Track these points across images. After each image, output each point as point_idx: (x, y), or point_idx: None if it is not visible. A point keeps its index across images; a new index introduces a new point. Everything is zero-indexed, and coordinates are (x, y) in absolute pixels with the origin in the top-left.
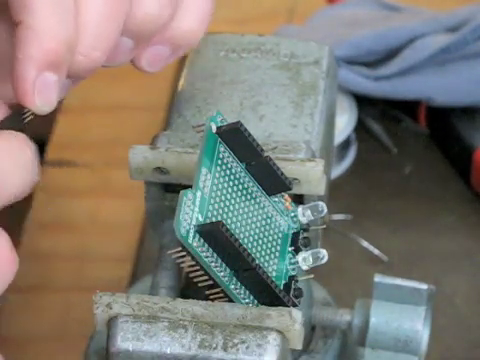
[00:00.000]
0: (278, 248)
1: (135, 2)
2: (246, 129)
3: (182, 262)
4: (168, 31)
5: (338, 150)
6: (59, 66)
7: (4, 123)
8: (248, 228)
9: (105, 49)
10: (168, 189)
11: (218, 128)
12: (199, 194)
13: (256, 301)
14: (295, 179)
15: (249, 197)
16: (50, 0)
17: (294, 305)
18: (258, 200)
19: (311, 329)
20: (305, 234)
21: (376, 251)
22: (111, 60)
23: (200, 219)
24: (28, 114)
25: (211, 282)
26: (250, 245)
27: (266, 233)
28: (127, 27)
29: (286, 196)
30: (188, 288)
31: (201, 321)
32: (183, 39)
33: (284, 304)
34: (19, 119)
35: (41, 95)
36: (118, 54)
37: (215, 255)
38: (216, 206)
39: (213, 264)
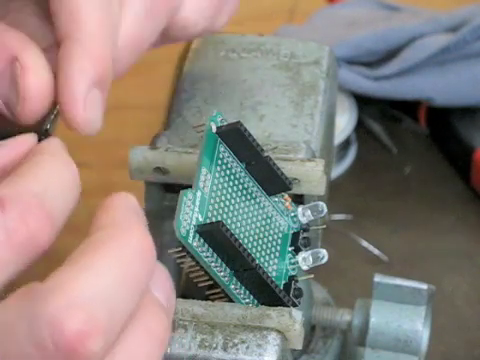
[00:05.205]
0: (278, 248)
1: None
2: (246, 129)
3: (182, 262)
4: None
5: (338, 150)
6: (105, 83)
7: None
8: (248, 228)
9: (142, 52)
10: (168, 189)
11: (218, 128)
12: (199, 194)
13: (256, 301)
14: (295, 179)
15: (249, 197)
16: (99, 13)
17: (294, 305)
18: (258, 200)
19: (311, 329)
20: (305, 234)
21: (376, 251)
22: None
23: (200, 219)
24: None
25: (211, 282)
26: (250, 245)
27: (266, 233)
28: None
29: (286, 196)
30: (188, 288)
31: (201, 321)
32: None
33: (284, 304)
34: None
35: (90, 113)
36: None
37: (215, 255)
38: (216, 206)
39: (213, 264)
